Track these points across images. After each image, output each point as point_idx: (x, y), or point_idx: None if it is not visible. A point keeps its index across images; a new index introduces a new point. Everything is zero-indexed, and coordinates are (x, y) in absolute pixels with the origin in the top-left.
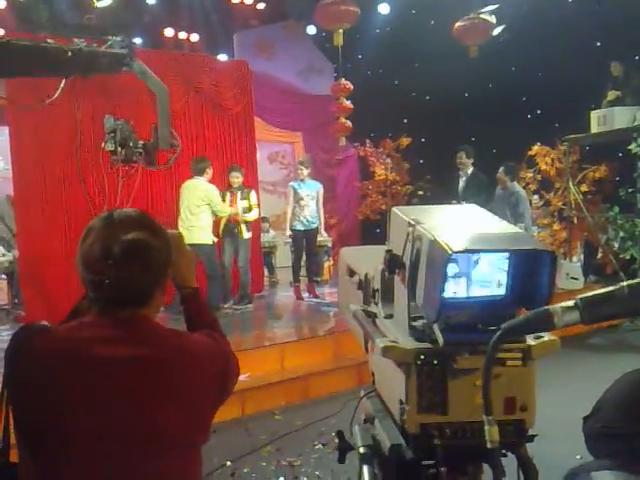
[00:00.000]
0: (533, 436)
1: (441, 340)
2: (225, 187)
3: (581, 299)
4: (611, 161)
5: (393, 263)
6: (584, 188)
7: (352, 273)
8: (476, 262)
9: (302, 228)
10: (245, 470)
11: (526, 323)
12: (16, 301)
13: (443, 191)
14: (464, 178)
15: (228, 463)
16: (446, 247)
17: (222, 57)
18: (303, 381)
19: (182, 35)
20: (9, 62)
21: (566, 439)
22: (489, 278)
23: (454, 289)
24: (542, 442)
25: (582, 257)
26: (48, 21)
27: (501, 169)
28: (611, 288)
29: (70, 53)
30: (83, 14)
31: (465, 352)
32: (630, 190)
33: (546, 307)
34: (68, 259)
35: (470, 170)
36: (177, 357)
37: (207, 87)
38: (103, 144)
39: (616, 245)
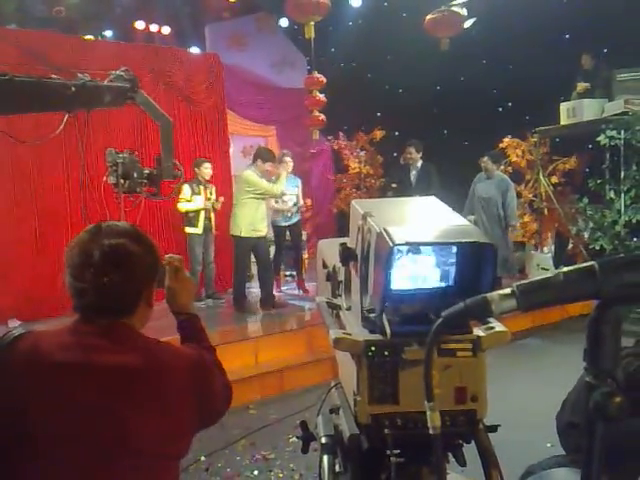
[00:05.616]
0: (496, 426)
1: (388, 331)
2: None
3: (517, 286)
4: (581, 153)
5: (346, 255)
6: (554, 180)
7: (325, 265)
8: (424, 254)
9: (284, 223)
10: (219, 464)
11: (465, 310)
12: None
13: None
14: (414, 172)
15: (202, 458)
16: (389, 240)
17: (194, 50)
18: (278, 375)
19: (153, 28)
20: (11, 99)
21: (538, 427)
22: (438, 270)
23: (402, 281)
24: (515, 430)
25: (553, 248)
26: (15, 13)
27: (486, 158)
28: (547, 275)
29: (73, 88)
30: (52, 6)
31: (414, 343)
32: (599, 181)
33: (483, 295)
34: (39, 254)
35: (419, 163)
36: (154, 365)
37: (178, 80)
38: (105, 177)
39: (586, 236)
